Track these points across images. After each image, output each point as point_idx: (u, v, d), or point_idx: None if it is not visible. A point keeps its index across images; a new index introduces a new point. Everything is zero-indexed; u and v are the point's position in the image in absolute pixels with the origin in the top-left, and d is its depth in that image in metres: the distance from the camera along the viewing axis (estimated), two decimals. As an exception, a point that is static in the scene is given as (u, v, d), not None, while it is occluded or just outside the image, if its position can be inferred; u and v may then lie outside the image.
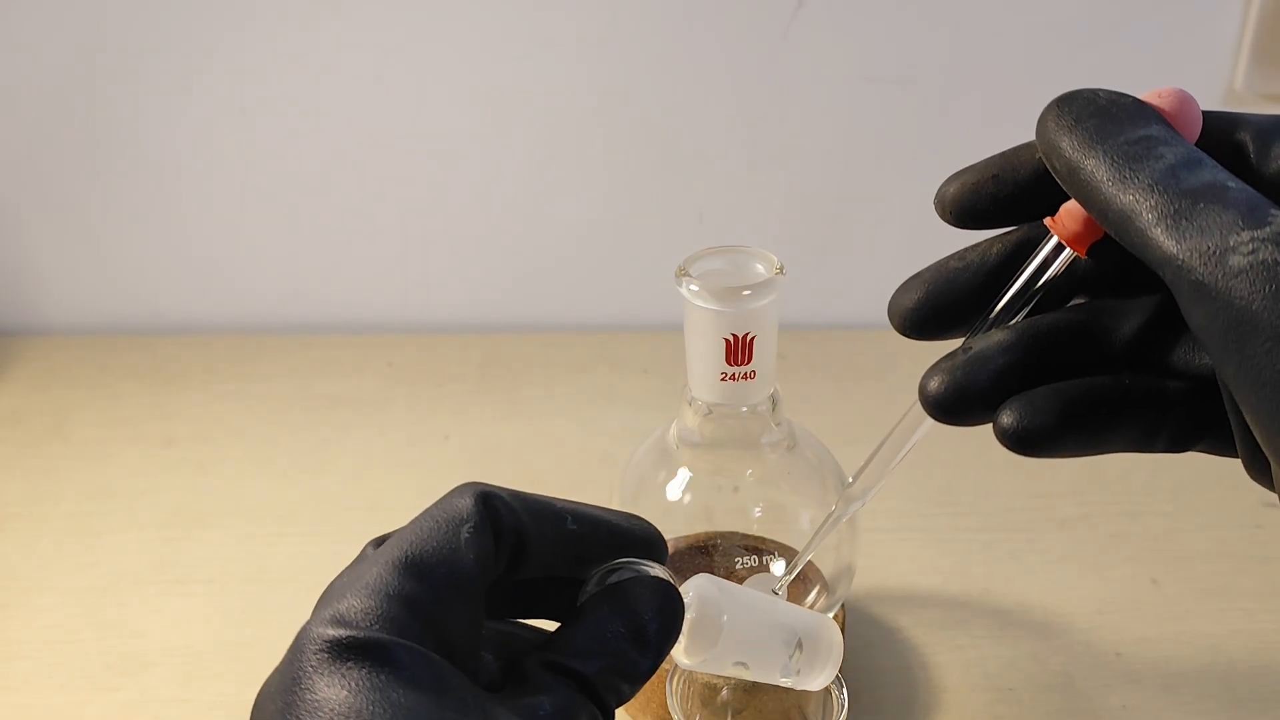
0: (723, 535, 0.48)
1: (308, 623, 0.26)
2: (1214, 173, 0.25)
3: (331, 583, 0.28)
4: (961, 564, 0.59)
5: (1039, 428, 0.29)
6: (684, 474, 0.47)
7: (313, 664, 0.25)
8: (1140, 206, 0.25)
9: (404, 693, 0.25)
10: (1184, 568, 0.59)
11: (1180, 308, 0.25)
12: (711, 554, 0.48)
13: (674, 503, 0.47)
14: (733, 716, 0.45)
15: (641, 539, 0.32)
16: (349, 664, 0.25)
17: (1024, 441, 0.29)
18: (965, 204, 0.30)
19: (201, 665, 0.53)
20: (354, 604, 0.26)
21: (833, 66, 0.73)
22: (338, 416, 0.71)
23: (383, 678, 0.25)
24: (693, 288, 0.41)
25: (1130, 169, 0.25)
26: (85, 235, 0.78)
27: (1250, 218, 0.24)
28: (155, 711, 0.51)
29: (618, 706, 0.29)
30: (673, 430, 0.47)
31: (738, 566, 0.47)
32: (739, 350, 0.42)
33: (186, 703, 0.51)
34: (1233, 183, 0.25)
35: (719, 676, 0.44)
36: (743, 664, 0.33)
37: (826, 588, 0.48)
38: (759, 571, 0.46)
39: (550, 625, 0.31)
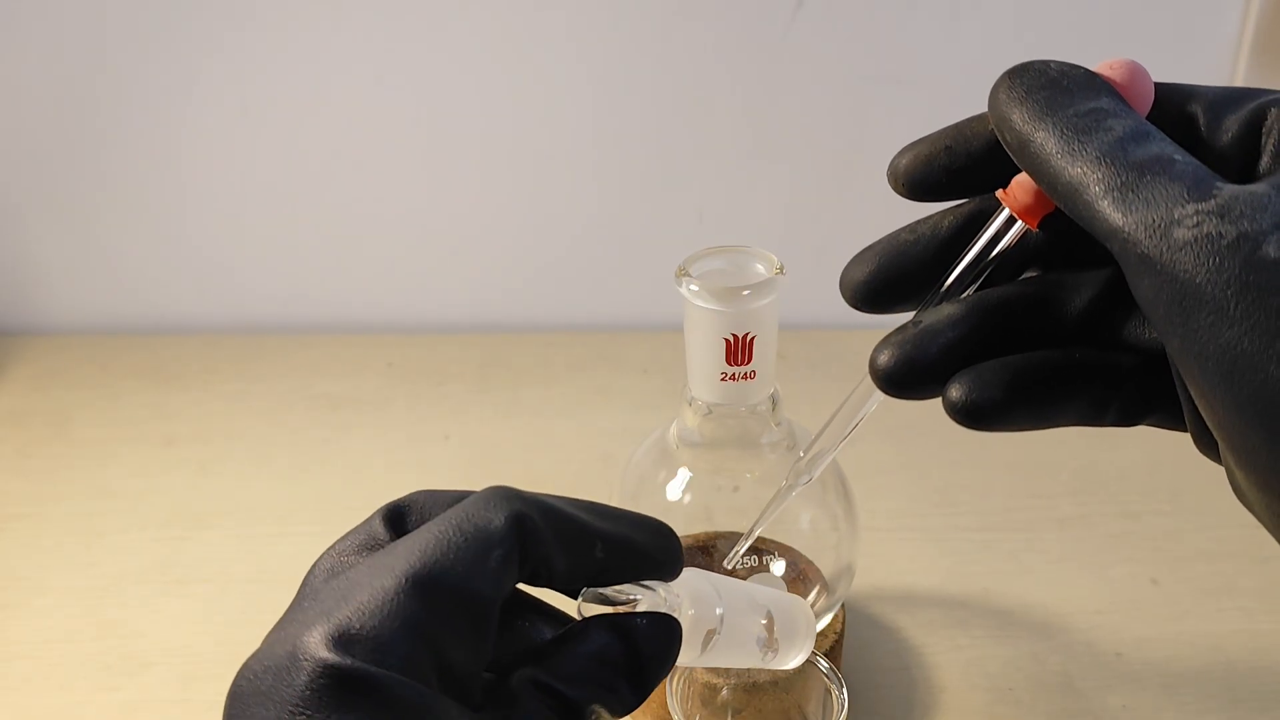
0: (723, 535, 0.48)
1: (307, 622, 0.25)
2: (1161, 145, 0.25)
3: (325, 559, 0.28)
4: (961, 564, 0.59)
5: (987, 401, 0.28)
6: (684, 474, 0.47)
7: (312, 691, 0.24)
8: (1088, 179, 0.25)
9: None
10: (1184, 568, 0.59)
11: (1127, 281, 0.24)
12: (711, 554, 0.48)
13: (674, 503, 0.47)
14: (733, 716, 0.45)
15: (664, 563, 0.31)
16: (346, 704, 0.24)
17: (972, 415, 0.28)
18: (917, 175, 0.30)
19: (201, 665, 0.53)
20: (363, 624, 0.25)
21: (833, 66, 0.73)
22: (338, 416, 0.71)
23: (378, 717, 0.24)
24: (693, 288, 0.42)
25: (1079, 141, 0.25)
26: (86, 235, 0.78)
27: (1196, 190, 0.23)
28: (155, 711, 0.51)
29: None
30: (673, 430, 0.47)
31: (738, 567, 0.47)
32: (739, 350, 0.42)
33: (186, 703, 0.51)
34: (1180, 155, 0.24)
35: (719, 677, 0.44)
36: (727, 658, 0.33)
37: (826, 588, 0.48)
38: (759, 571, 0.46)
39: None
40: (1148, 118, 0.27)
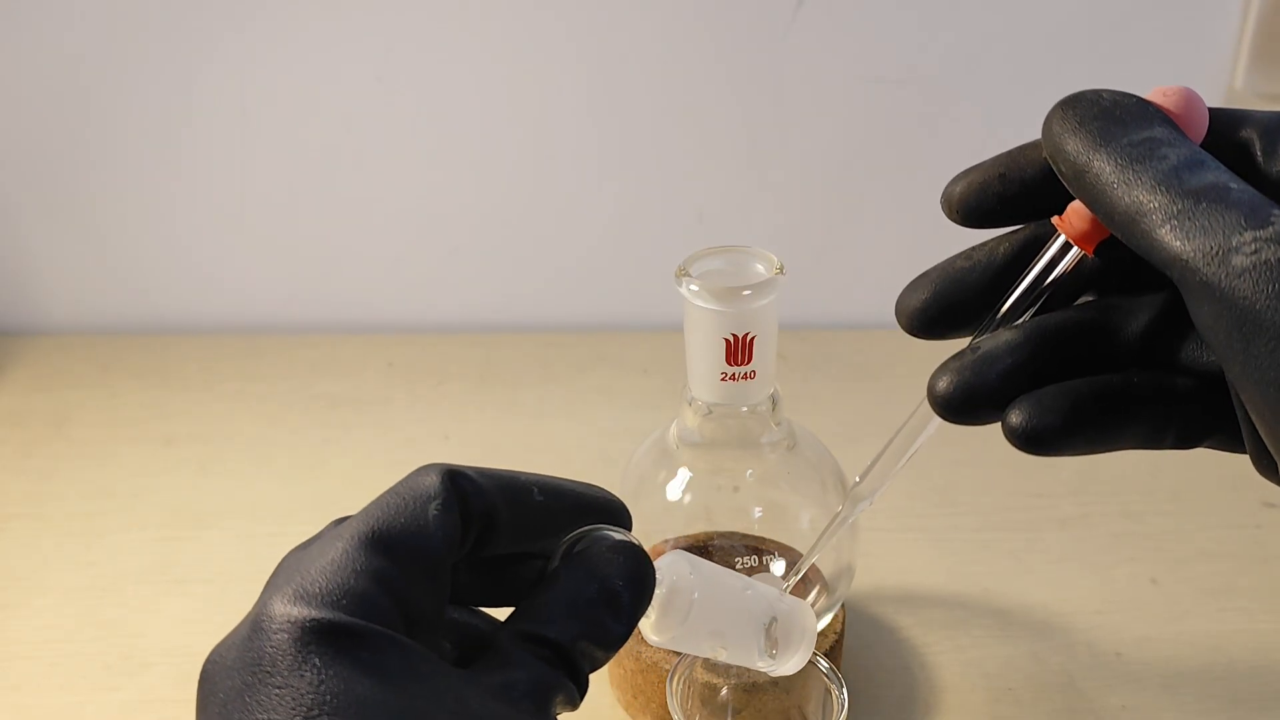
0: (723, 535, 0.48)
1: (268, 596, 0.26)
2: (1217, 173, 0.25)
3: (287, 556, 0.28)
4: (961, 564, 0.59)
5: (1047, 427, 0.29)
6: (684, 474, 0.47)
7: (275, 645, 0.25)
8: (1145, 208, 0.25)
9: (371, 684, 0.24)
10: (1184, 568, 0.59)
11: (1188, 306, 0.25)
12: (711, 554, 0.48)
13: (674, 503, 0.47)
14: (733, 716, 0.45)
15: (606, 507, 0.32)
16: (313, 650, 0.25)
17: (1033, 440, 0.29)
18: (972, 203, 0.30)
19: (201, 665, 0.53)
20: (320, 581, 0.26)
21: (833, 66, 0.73)
22: (338, 416, 0.71)
23: (349, 667, 0.24)
24: (693, 288, 0.41)
25: (1134, 170, 0.25)
26: (86, 235, 0.78)
27: (1253, 218, 0.24)
28: (155, 711, 0.51)
29: (591, 671, 0.29)
30: (673, 430, 0.47)
31: (738, 566, 0.47)
32: (739, 350, 0.42)
33: (186, 703, 0.51)
34: (1235, 183, 0.25)
35: (719, 676, 0.44)
36: (717, 645, 0.33)
37: (826, 588, 0.48)
38: (759, 571, 0.46)
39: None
40: (1202, 145, 0.27)
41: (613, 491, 0.32)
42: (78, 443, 0.69)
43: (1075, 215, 0.29)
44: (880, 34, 0.73)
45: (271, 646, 0.25)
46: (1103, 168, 0.26)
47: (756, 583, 0.35)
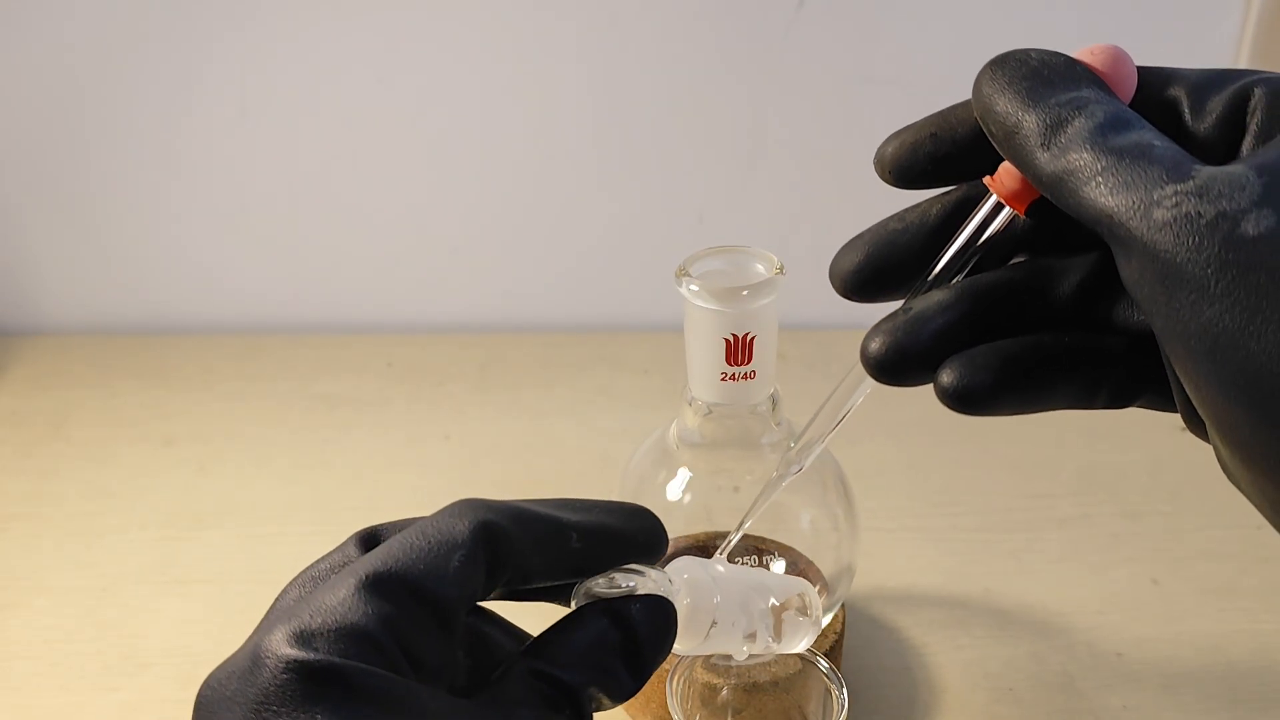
0: (723, 535, 0.48)
1: (271, 628, 0.26)
2: (1141, 131, 0.25)
3: (296, 580, 0.28)
4: (961, 564, 0.59)
5: (979, 385, 0.29)
6: (684, 474, 0.47)
7: (280, 686, 0.24)
8: (1071, 166, 0.25)
9: None
10: (1184, 568, 0.59)
11: (1116, 263, 0.25)
12: (711, 554, 0.48)
13: (674, 503, 0.47)
14: (733, 716, 0.45)
15: (646, 545, 0.31)
16: (317, 696, 0.24)
17: (964, 399, 0.29)
18: (904, 163, 0.30)
19: (201, 665, 0.53)
20: (323, 622, 0.25)
21: (833, 66, 0.73)
22: (338, 416, 0.71)
23: (350, 714, 0.24)
24: (693, 288, 0.41)
25: (1061, 130, 0.25)
26: (85, 235, 0.78)
27: (1174, 172, 0.24)
28: (155, 711, 0.51)
29: (595, 713, 0.29)
30: (673, 430, 0.47)
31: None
32: (739, 350, 0.42)
33: (186, 703, 0.51)
34: (1159, 140, 0.25)
35: (719, 676, 0.44)
36: (728, 644, 0.33)
37: (826, 588, 0.48)
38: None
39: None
40: (1132, 102, 0.27)
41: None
42: (78, 443, 0.69)
43: (1006, 175, 0.29)
44: (880, 34, 0.73)
45: (276, 687, 0.24)
46: (1031, 128, 0.26)
47: (764, 575, 0.35)
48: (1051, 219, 0.29)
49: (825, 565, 0.48)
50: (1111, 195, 0.24)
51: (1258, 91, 0.27)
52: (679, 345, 0.44)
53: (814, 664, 0.42)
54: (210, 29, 0.71)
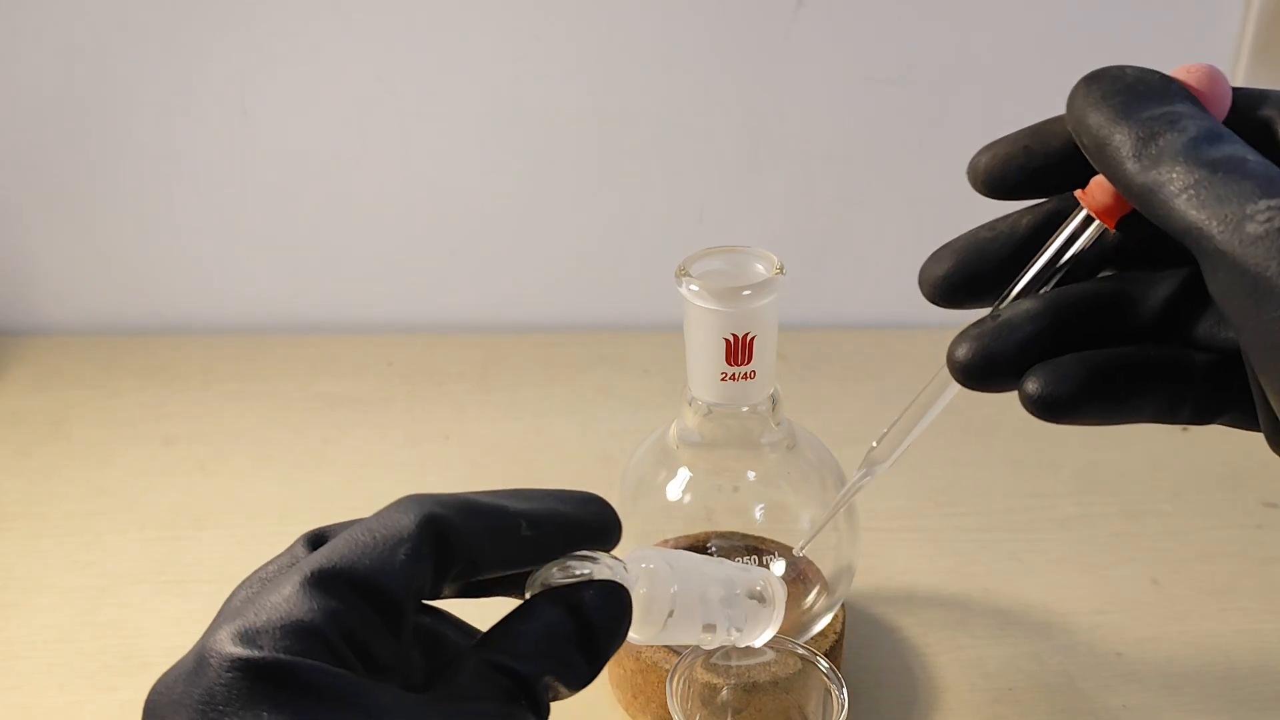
0: (722, 535, 0.48)
1: (215, 631, 0.25)
2: (1234, 146, 0.26)
3: (244, 583, 0.28)
4: (961, 564, 0.59)
5: (1063, 394, 0.29)
6: (684, 474, 0.47)
7: (225, 685, 0.24)
8: (1163, 178, 0.25)
9: None
10: (1184, 568, 0.59)
11: (1204, 275, 0.25)
12: (711, 554, 0.48)
13: (674, 503, 0.47)
14: (733, 716, 0.45)
15: (598, 530, 0.31)
16: (262, 694, 0.24)
17: (1048, 407, 0.29)
18: (996, 174, 0.30)
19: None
20: (270, 620, 0.25)
21: (832, 67, 0.73)
22: (338, 416, 0.71)
23: (296, 710, 0.24)
24: (693, 288, 0.41)
25: (1154, 143, 0.26)
26: (85, 235, 0.78)
27: (1267, 187, 0.24)
28: (155, 711, 0.51)
29: (555, 700, 0.29)
30: (673, 430, 0.47)
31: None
32: (739, 350, 0.42)
33: (186, 703, 0.51)
34: (1251, 155, 0.25)
35: (719, 676, 0.44)
36: (689, 633, 0.33)
37: (826, 588, 0.48)
38: (759, 571, 0.46)
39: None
40: (1225, 122, 0.28)
41: (610, 493, 0.32)
42: (77, 443, 0.69)
43: (1098, 189, 0.29)
44: (880, 34, 0.73)
45: (221, 686, 0.24)
46: (1123, 140, 0.26)
47: (725, 563, 0.35)
48: (1141, 234, 0.29)
49: (825, 565, 0.48)
50: (1202, 208, 0.24)
51: None
52: (679, 345, 0.44)
53: (814, 664, 0.42)
54: (210, 29, 0.71)
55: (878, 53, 0.73)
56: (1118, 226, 0.29)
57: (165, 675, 0.26)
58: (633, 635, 0.32)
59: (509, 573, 0.30)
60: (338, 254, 0.79)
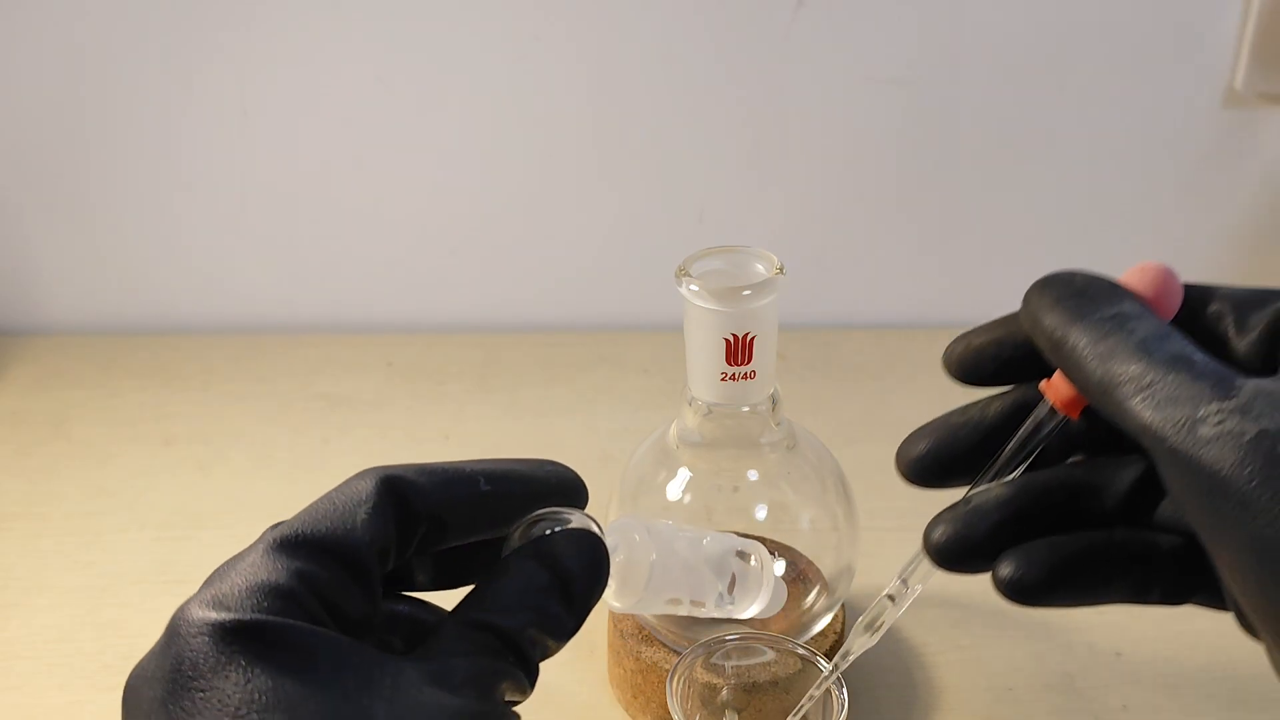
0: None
1: (185, 603, 0.26)
2: (1182, 346, 0.27)
3: (217, 568, 0.28)
4: (961, 564, 0.59)
5: (1034, 580, 0.30)
6: (684, 474, 0.47)
7: (196, 650, 0.24)
8: (1117, 379, 0.26)
9: (298, 680, 0.24)
10: (1184, 568, 0.59)
11: (1160, 473, 0.26)
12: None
13: (674, 503, 0.47)
14: (732, 715, 0.45)
15: (559, 486, 0.32)
16: (237, 651, 0.24)
17: (1021, 592, 0.30)
18: (969, 365, 0.32)
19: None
20: (236, 583, 0.26)
21: (833, 67, 0.73)
22: (338, 416, 0.71)
23: (274, 666, 0.24)
24: (693, 288, 0.41)
25: (1106, 343, 0.27)
26: (86, 235, 0.78)
27: (1218, 388, 0.25)
28: (155, 711, 0.51)
29: (543, 660, 0.29)
30: (673, 430, 0.47)
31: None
32: (739, 350, 0.42)
33: (186, 703, 0.51)
34: (1199, 355, 0.27)
35: (719, 677, 0.44)
36: (675, 600, 0.33)
37: (827, 588, 0.48)
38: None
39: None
40: (1177, 316, 0.29)
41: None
42: (78, 443, 0.69)
43: (1061, 382, 0.30)
44: (880, 34, 0.73)
45: (191, 651, 0.25)
46: (1078, 341, 0.28)
47: (713, 532, 0.35)
48: (1105, 422, 0.30)
49: (825, 565, 0.48)
50: (1156, 410, 0.25)
51: None
52: (679, 345, 0.44)
53: (814, 664, 0.42)
54: (210, 29, 0.71)
55: (878, 53, 0.73)
56: (1082, 415, 0.31)
57: (140, 660, 0.26)
58: (614, 603, 0.32)
59: (479, 539, 0.30)
60: (338, 254, 0.79)
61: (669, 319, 0.59)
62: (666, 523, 0.34)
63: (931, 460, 0.32)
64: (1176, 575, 0.30)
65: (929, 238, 0.79)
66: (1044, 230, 0.79)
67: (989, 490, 0.32)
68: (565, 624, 0.29)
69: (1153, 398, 0.26)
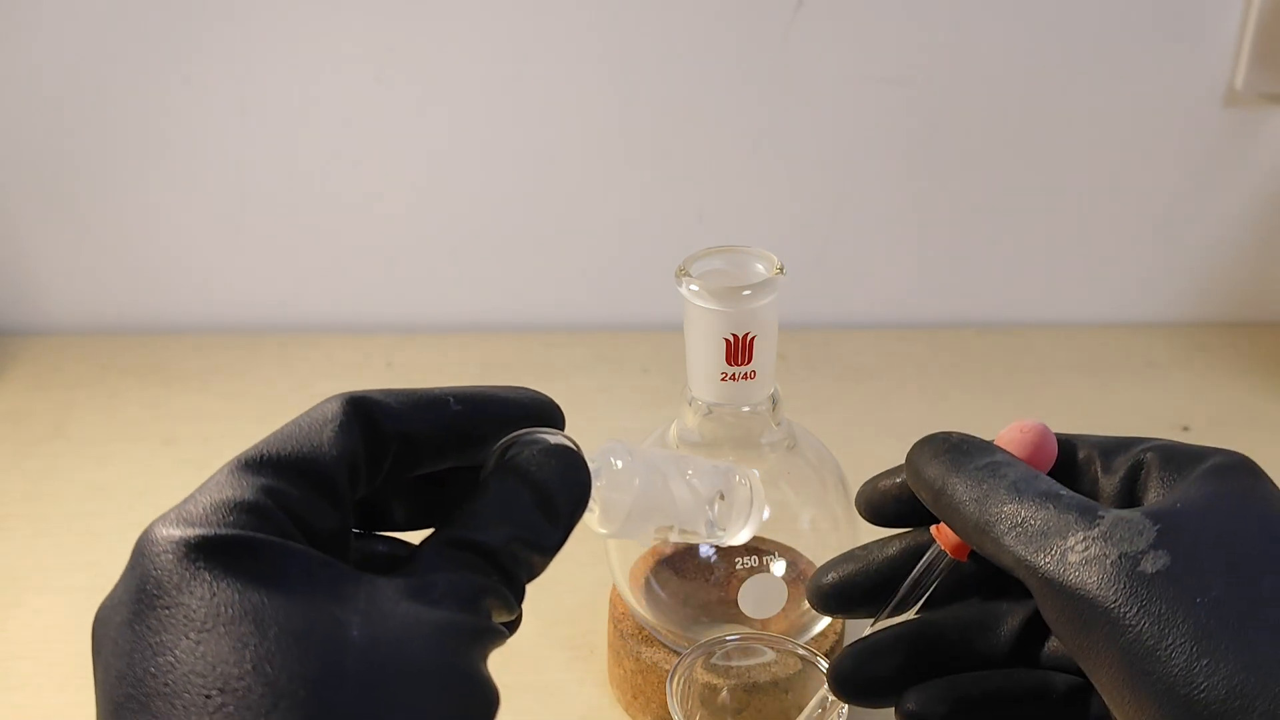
0: (723, 535, 0.48)
1: (150, 524, 0.25)
2: (1049, 484, 0.29)
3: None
4: (962, 564, 0.59)
5: (936, 716, 0.33)
6: (684, 474, 0.47)
7: (160, 568, 0.24)
8: (992, 519, 0.29)
9: (267, 592, 0.23)
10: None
11: (1037, 604, 0.28)
12: (711, 555, 0.48)
13: (674, 503, 0.47)
14: (733, 717, 0.45)
15: (534, 409, 0.31)
16: (201, 565, 0.24)
17: None
18: (875, 507, 0.35)
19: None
20: (201, 501, 0.25)
21: (832, 66, 0.73)
22: (338, 416, 0.71)
23: (241, 577, 0.23)
24: (693, 288, 0.41)
25: (980, 489, 0.30)
26: (85, 235, 0.78)
27: (1082, 520, 0.28)
28: (155, 711, 0.51)
29: (529, 580, 0.28)
30: (673, 430, 0.47)
31: (738, 567, 0.47)
32: (739, 350, 0.42)
33: (186, 703, 0.51)
34: (1064, 492, 0.29)
35: (719, 677, 0.44)
36: (665, 529, 0.33)
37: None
38: (759, 572, 0.46)
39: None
40: (1056, 463, 0.32)
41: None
42: (77, 443, 0.69)
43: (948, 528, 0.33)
44: (880, 34, 0.73)
45: (156, 570, 0.24)
46: (955, 488, 0.30)
47: (698, 459, 0.35)
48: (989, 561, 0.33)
49: (825, 565, 0.48)
50: (1028, 543, 0.28)
51: (1150, 454, 0.31)
52: (679, 345, 0.44)
53: (814, 664, 0.42)
54: (210, 29, 0.71)
55: (878, 53, 0.73)
56: (971, 557, 0.33)
57: (111, 591, 0.25)
58: (600, 529, 0.32)
59: (453, 463, 0.30)
60: (337, 254, 0.79)
61: (669, 319, 0.59)
62: (654, 449, 0.33)
63: (837, 592, 0.35)
64: (1071, 714, 0.32)
65: (929, 238, 0.79)
66: (1044, 230, 0.79)
67: (887, 630, 0.34)
68: (549, 538, 0.28)
69: (1025, 532, 0.28)
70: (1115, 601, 0.26)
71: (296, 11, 0.71)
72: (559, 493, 0.29)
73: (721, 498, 0.34)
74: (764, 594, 0.46)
